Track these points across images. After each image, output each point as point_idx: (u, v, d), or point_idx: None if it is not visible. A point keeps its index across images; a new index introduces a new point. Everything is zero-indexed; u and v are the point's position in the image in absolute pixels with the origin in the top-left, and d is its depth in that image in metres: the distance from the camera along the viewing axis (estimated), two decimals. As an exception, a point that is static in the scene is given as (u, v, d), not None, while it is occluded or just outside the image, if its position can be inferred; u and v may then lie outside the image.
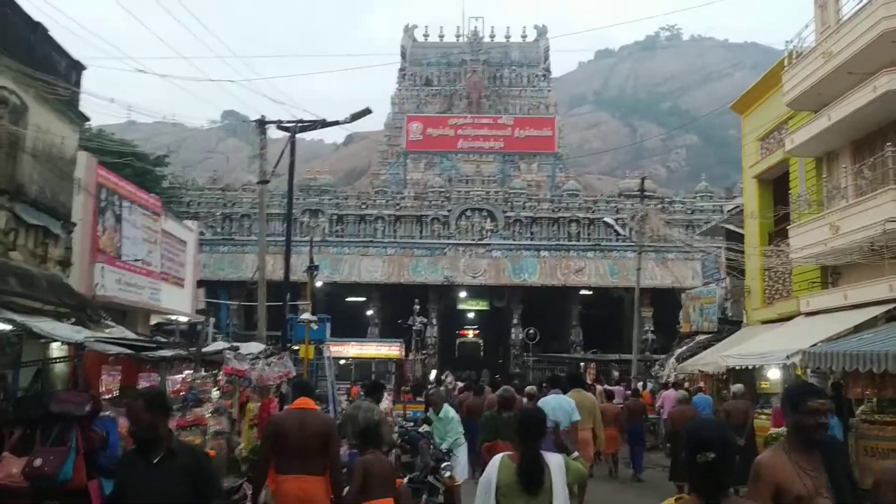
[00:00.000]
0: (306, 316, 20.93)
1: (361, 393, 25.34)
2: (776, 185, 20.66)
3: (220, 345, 11.24)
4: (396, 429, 15.00)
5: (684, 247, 37.67)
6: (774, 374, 16.17)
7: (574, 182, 41.75)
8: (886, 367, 10.53)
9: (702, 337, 23.31)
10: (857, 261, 14.05)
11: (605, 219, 25.25)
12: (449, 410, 10.06)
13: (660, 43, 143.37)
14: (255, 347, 13.00)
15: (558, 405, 10.50)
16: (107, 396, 9.80)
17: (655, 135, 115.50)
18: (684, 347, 23.51)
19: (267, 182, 14.52)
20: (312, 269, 21.12)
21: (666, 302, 35.28)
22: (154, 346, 10.16)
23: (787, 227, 17.64)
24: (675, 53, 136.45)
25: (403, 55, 50.97)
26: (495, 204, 38.88)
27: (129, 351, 9.74)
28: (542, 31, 52.74)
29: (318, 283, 38.20)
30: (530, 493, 4.42)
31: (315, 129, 14.74)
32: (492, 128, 44.41)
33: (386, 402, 14.13)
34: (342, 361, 36.35)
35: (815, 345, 12.88)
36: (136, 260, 16.03)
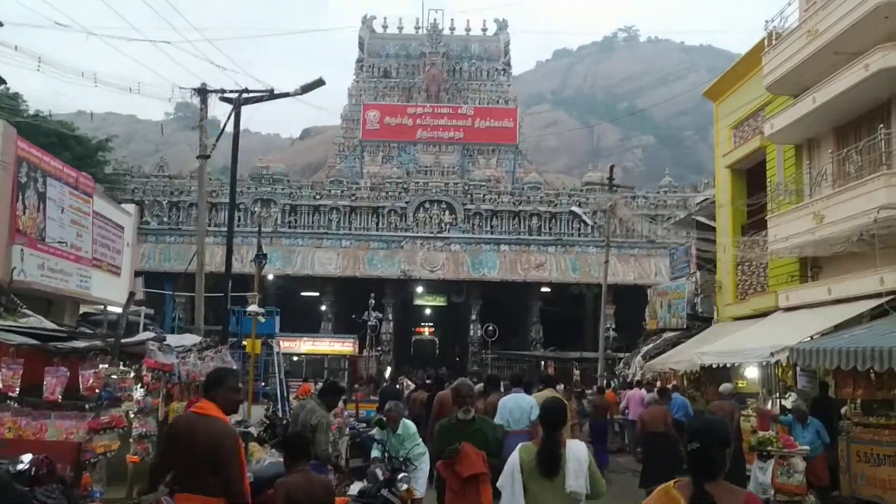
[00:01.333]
0: (253, 308, 19.54)
1: (315, 391, 24.02)
2: (750, 175, 19.79)
3: (145, 335, 9.85)
4: (347, 430, 13.74)
5: (649, 242, 36.93)
6: (752, 372, 15.22)
7: (536, 175, 40.71)
8: (891, 365, 9.55)
9: (670, 334, 22.40)
10: (853, 249, 13.09)
11: (573, 208, 24.11)
12: (409, 426, 8.74)
13: (617, 44, 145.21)
14: (190, 340, 11.65)
15: (516, 404, 9.96)
16: (10, 395, 8.40)
17: (612, 135, 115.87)
18: (651, 345, 22.57)
19: (207, 157, 13.11)
20: (261, 257, 19.68)
21: (628, 299, 34.52)
22: (65, 335, 8.76)
23: (766, 218, 16.75)
24: (633, 55, 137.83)
25: (361, 46, 49.70)
26: (455, 196, 37.66)
27: (32, 341, 8.37)
28: (502, 25, 51.75)
29: (270, 276, 36.70)
30: (548, 476, 4.99)
31: (262, 100, 13.36)
32: (451, 117, 43.17)
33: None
34: (295, 358, 35.01)
35: (803, 341, 11.88)
36: (61, 242, 14.49)
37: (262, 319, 19.87)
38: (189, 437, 4.81)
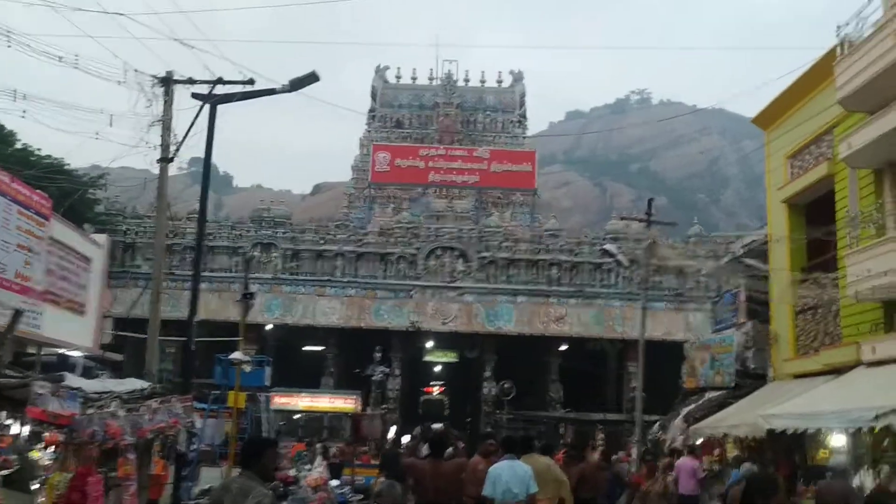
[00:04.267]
0: (237, 356, 17.02)
1: (305, 452, 21.09)
2: (811, 210, 17.23)
3: (69, 380, 7.21)
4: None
5: (677, 295, 34.32)
6: (839, 440, 12.43)
7: (555, 221, 38.25)
8: None
9: (713, 394, 19.56)
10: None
11: (606, 246, 21.62)
12: None
13: (630, 106, 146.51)
14: (132, 385, 9.09)
15: (512, 473, 8.59)
16: None
17: (625, 195, 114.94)
18: (692, 406, 19.72)
19: (170, 160, 10.68)
20: (247, 297, 17.17)
21: (653, 356, 31.73)
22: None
23: (837, 256, 14.19)
24: (645, 117, 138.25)
25: (374, 96, 48.17)
26: (468, 243, 35.16)
27: None
28: (518, 77, 50.18)
29: (268, 326, 34.16)
30: None
31: (239, 98, 10.98)
32: (466, 160, 40.99)
33: (318, 470, 10.17)
34: (296, 416, 32.18)
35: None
36: (-10, 266, 12.01)
37: (248, 369, 17.34)
38: None
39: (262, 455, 5.13)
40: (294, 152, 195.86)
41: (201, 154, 12.29)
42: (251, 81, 10.82)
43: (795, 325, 16.94)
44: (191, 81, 10.59)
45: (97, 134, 10.00)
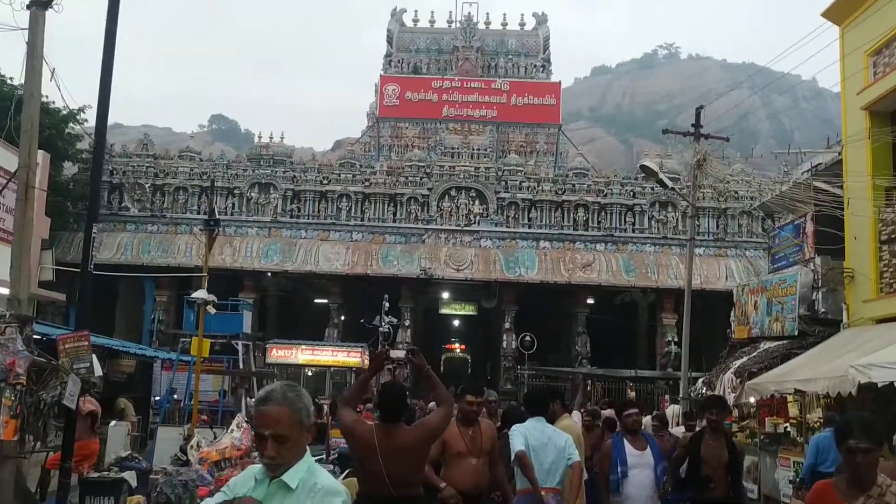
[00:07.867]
0: (200, 294, 14.16)
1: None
2: (898, 119, 14.00)
3: None
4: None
5: (716, 240, 31.23)
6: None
7: (582, 160, 35.00)
8: None
9: (770, 344, 16.48)
10: None
11: (645, 162, 18.54)
12: (317, 475, 2.87)
13: (657, 61, 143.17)
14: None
15: (543, 439, 6.16)
16: None
17: (652, 152, 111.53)
18: (745, 359, 16.65)
19: (47, 5, 7.68)
20: (211, 224, 14.24)
21: (691, 307, 28.79)
22: None
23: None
24: (673, 72, 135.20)
25: (390, 41, 44.78)
26: (486, 183, 32.05)
27: None
28: (541, 20, 46.45)
29: (268, 273, 31.54)
30: None
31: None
32: (483, 93, 37.74)
33: (233, 435, 7.17)
34: (309, 372, 29.58)
35: None
36: None
37: (213, 310, 14.49)
38: None
39: None
40: (318, 111, 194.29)
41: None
42: None
43: (879, 257, 13.81)
44: None
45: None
